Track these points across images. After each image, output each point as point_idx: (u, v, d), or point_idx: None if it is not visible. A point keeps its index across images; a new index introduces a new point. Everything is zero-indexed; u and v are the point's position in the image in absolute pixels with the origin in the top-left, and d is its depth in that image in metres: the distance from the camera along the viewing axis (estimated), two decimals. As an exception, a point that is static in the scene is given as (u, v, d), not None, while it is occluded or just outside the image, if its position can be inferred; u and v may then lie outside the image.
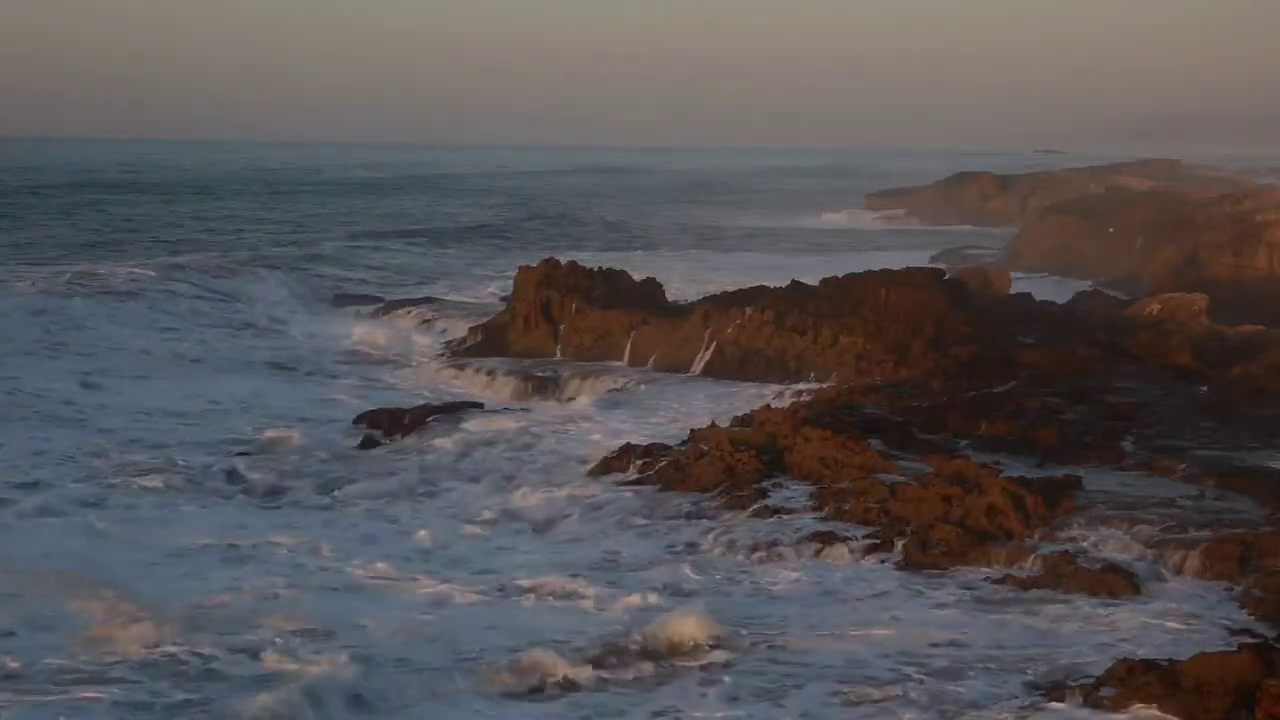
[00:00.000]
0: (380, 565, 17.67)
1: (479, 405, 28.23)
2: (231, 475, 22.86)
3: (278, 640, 14.53)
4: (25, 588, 16.01)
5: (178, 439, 25.45)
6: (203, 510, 20.74)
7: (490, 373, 32.85)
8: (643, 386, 30.53)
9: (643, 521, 19.70)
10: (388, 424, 26.30)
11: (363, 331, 40.17)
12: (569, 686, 13.75)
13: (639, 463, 21.99)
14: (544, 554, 18.56)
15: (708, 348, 32.24)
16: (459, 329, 38.55)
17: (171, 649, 14.30)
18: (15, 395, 28.79)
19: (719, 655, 14.45)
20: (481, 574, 17.53)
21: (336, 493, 21.85)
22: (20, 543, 18.36)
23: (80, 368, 32.56)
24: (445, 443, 24.68)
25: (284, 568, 17.64)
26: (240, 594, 16.30)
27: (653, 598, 16.11)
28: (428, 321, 41.16)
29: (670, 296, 38.21)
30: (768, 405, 25.98)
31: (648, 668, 14.23)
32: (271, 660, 14.04)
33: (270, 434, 25.87)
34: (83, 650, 14.29)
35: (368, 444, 25.27)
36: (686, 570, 17.48)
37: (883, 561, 17.55)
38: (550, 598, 16.47)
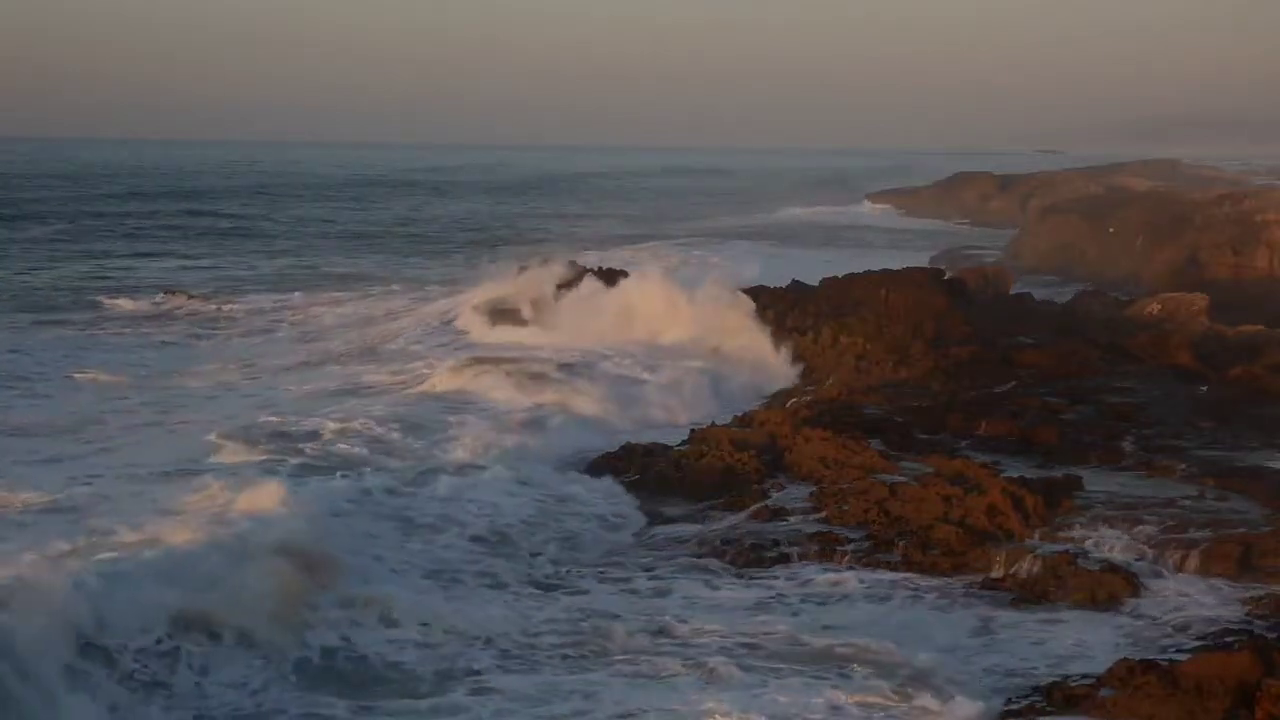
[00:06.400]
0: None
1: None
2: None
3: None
4: None
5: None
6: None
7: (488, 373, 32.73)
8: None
9: (642, 522, 19.66)
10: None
11: None
12: None
13: (639, 462, 21.94)
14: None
15: (708, 347, 32.17)
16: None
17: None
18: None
19: (712, 655, 14.39)
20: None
21: None
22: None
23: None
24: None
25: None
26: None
27: (658, 601, 16.14)
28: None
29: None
30: (768, 405, 25.97)
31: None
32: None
33: None
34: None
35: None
36: (685, 572, 17.43)
37: (883, 562, 17.52)
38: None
